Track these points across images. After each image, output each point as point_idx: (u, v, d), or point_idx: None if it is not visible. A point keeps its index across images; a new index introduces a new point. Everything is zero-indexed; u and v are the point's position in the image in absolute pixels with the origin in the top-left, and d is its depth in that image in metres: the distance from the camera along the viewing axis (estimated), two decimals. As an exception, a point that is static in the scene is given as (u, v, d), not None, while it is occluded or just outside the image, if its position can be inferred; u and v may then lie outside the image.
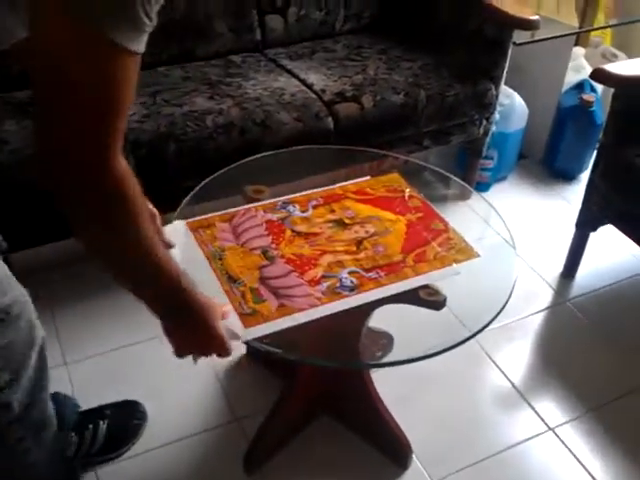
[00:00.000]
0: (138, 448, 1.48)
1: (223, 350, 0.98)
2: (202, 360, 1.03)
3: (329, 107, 1.85)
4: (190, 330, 0.95)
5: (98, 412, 1.47)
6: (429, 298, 1.15)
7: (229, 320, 1.03)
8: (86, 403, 1.49)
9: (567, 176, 2.46)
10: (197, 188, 1.43)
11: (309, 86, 1.92)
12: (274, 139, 1.75)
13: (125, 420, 1.50)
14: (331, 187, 1.39)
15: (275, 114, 1.78)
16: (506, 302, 1.23)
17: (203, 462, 1.47)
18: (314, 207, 1.32)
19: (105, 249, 0.81)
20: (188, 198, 1.41)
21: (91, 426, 1.42)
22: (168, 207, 1.47)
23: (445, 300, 1.15)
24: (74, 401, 1.48)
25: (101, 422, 1.44)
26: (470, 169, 2.28)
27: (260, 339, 1.05)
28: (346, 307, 1.09)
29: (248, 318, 1.05)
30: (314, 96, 1.87)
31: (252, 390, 1.61)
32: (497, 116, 2.17)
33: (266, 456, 1.47)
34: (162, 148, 1.65)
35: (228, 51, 2.09)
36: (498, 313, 1.20)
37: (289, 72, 2.00)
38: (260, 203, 1.33)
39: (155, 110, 1.74)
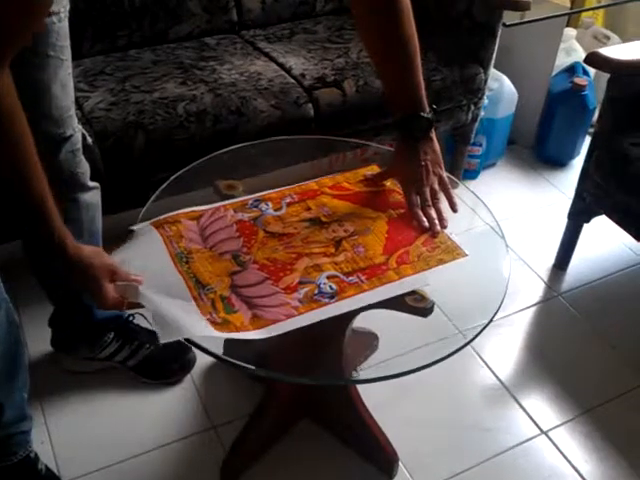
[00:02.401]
0: (113, 457, 1.39)
1: (102, 304, 0.99)
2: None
3: (309, 93, 1.75)
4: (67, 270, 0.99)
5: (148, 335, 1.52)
6: (416, 305, 1.05)
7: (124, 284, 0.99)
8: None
9: (558, 162, 2.38)
10: (166, 183, 1.33)
11: (288, 70, 1.81)
12: (250, 128, 1.65)
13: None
14: (305, 182, 1.29)
15: (252, 101, 1.67)
16: (500, 304, 1.14)
17: (178, 472, 1.39)
18: (288, 205, 1.22)
19: None
20: (157, 193, 1.31)
21: (136, 343, 1.51)
22: (136, 202, 1.37)
23: (433, 306, 1.06)
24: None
25: (147, 345, 1.52)
26: (458, 156, 2.18)
27: (232, 354, 0.95)
28: (325, 317, 0.99)
29: (220, 328, 0.96)
30: (293, 81, 1.77)
31: (230, 395, 1.52)
32: (486, 101, 2.08)
33: (244, 465, 1.39)
34: (130, 138, 1.54)
35: (202, 32, 1.97)
36: (493, 317, 1.12)
37: (267, 55, 1.89)
38: (230, 201, 1.22)
39: (123, 97, 1.63)
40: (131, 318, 1.54)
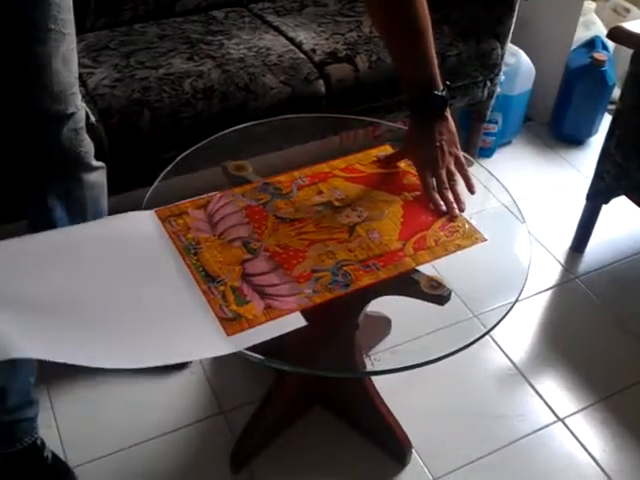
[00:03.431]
0: (121, 443, 1.37)
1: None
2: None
3: (320, 69, 1.68)
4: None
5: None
6: (432, 292, 1.01)
7: None
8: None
9: (575, 140, 2.31)
10: (173, 163, 1.28)
11: (298, 45, 1.75)
12: (259, 105, 1.59)
13: None
14: (316, 165, 1.24)
15: (260, 77, 1.61)
16: (520, 292, 1.10)
17: (187, 457, 1.37)
18: (299, 188, 1.17)
19: None
20: (164, 173, 1.27)
21: None
22: (142, 182, 1.33)
23: (450, 294, 1.01)
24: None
25: None
26: (473, 133, 2.12)
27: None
28: (289, 329, 0.92)
29: (231, 324, 0.92)
30: (303, 56, 1.70)
31: (239, 380, 1.49)
32: (502, 77, 2.01)
33: (254, 452, 1.36)
34: (135, 116, 1.49)
35: (209, 5, 1.91)
36: (513, 305, 1.08)
37: (276, 29, 1.82)
38: (239, 187, 1.17)
39: (128, 73, 1.58)
40: None
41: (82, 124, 1.22)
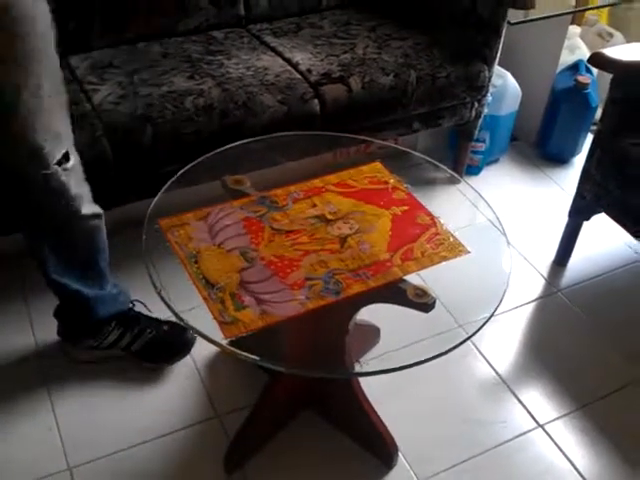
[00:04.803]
0: (119, 445, 1.43)
1: None
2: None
3: (315, 89, 1.76)
4: None
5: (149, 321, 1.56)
6: (418, 300, 1.08)
7: None
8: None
9: (560, 159, 2.40)
10: (175, 177, 1.36)
11: (294, 66, 1.83)
12: (257, 122, 1.67)
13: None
14: (311, 180, 1.32)
15: (258, 96, 1.69)
16: (501, 299, 1.18)
17: (182, 460, 1.42)
18: (294, 201, 1.25)
19: None
20: (166, 186, 1.34)
21: (137, 329, 1.53)
22: (146, 194, 1.40)
23: (434, 302, 1.09)
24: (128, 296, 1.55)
25: (148, 330, 1.54)
26: (461, 151, 2.21)
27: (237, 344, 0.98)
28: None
29: (229, 328, 0.99)
30: (299, 77, 1.78)
31: (234, 385, 1.56)
32: (489, 98, 2.09)
33: (248, 454, 1.42)
34: (138, 132, 1.57)
35: (210, 26, 1.99)
36: (493, 312, 1.15)
37: (273, 50, 1.90)
38: (237, 200, 1.25)
39: (132, 90, 1.65)
40: (131, 305, 1.57)
41: (65, 179, 1.23)
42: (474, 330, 1.14)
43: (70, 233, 1.32)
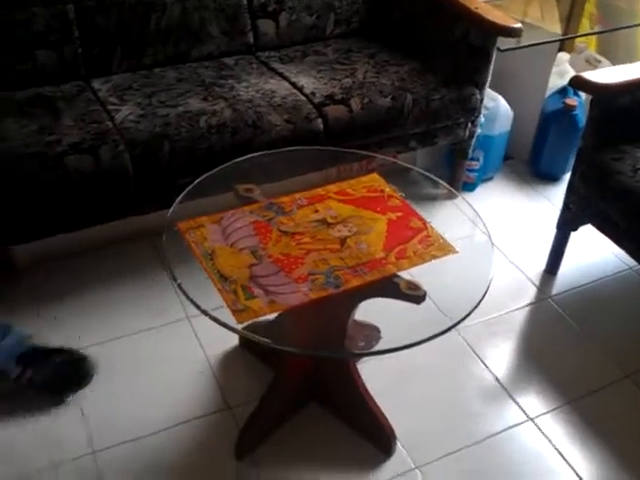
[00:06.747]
0: (138, 432, 1.54)
1: None
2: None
3: (319, 109, 1.91)
4: None
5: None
6: (410, 292, 1.21)
7: None
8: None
9: (551, 177, 2.53)
10: (190, 187, 1.49)
11: (299, 89, 1.98)
12: (265, 140, 1.81)
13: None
14: (314, 189, 1.46)
15: (266, 116, 1.84)
16: (484, 295, 1.30)
17: (194, 449, 1.53)
18: (299, 207, 1.39)
19: None
20: (181, 196, 1.47)
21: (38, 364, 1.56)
22: (163, 204, 1.54)
23: (425, 295, 1.21)
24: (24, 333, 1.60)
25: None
26: (457, 169, 2.34)
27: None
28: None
29: (241, 314, 1.12)
30: (304, 98, 1.94)
31: (245, 380, 1.67)
32: (482, 119, 2.23)
33: (257, 442, 1.53)
34: (157, 147, 1.71)
35: (221, 53, 2.15)
36: (476, 305, 1.27)
37: (280, 75, 2.06)
38: (248, 206, 1.39)
39: (150, 111, 1.80)
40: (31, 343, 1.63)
41: None
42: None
43: None
